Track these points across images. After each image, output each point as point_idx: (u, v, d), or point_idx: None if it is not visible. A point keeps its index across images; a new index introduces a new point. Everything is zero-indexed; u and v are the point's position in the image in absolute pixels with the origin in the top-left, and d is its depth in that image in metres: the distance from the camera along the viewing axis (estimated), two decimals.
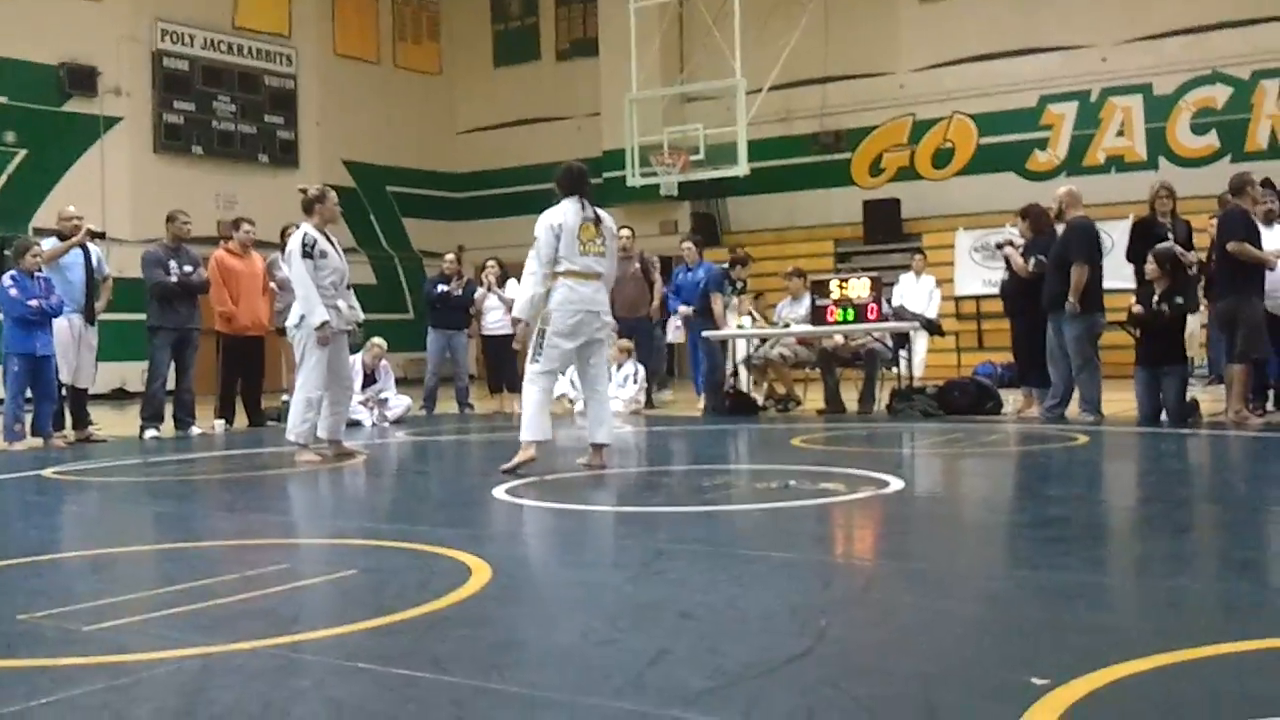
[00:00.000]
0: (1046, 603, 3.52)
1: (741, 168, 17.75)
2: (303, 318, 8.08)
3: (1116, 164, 18.95)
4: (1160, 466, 7.39)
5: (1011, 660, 2.91)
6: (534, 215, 7.26)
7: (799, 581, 3.93)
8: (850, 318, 11.43)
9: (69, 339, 10.25)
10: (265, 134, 21.23)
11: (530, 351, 7.08)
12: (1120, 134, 19.05)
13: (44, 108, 18.41)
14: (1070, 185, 10.85)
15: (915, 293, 14.48)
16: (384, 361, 12.57)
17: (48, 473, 7.95)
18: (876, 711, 2.55)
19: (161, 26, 19.84)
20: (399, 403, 12.39)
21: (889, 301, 11.84)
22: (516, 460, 6.95)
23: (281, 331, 10.53)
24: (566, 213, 7.06)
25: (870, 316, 11.35)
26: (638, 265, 13.37)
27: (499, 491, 6.23)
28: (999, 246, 11.57)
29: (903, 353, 11.58)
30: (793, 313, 12.58)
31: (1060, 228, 10.24)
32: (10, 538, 5.48)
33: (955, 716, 2.52)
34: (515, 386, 13.67)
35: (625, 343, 12.80)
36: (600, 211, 7.23)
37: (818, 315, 11.63)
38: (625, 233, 13.28)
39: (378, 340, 12.44)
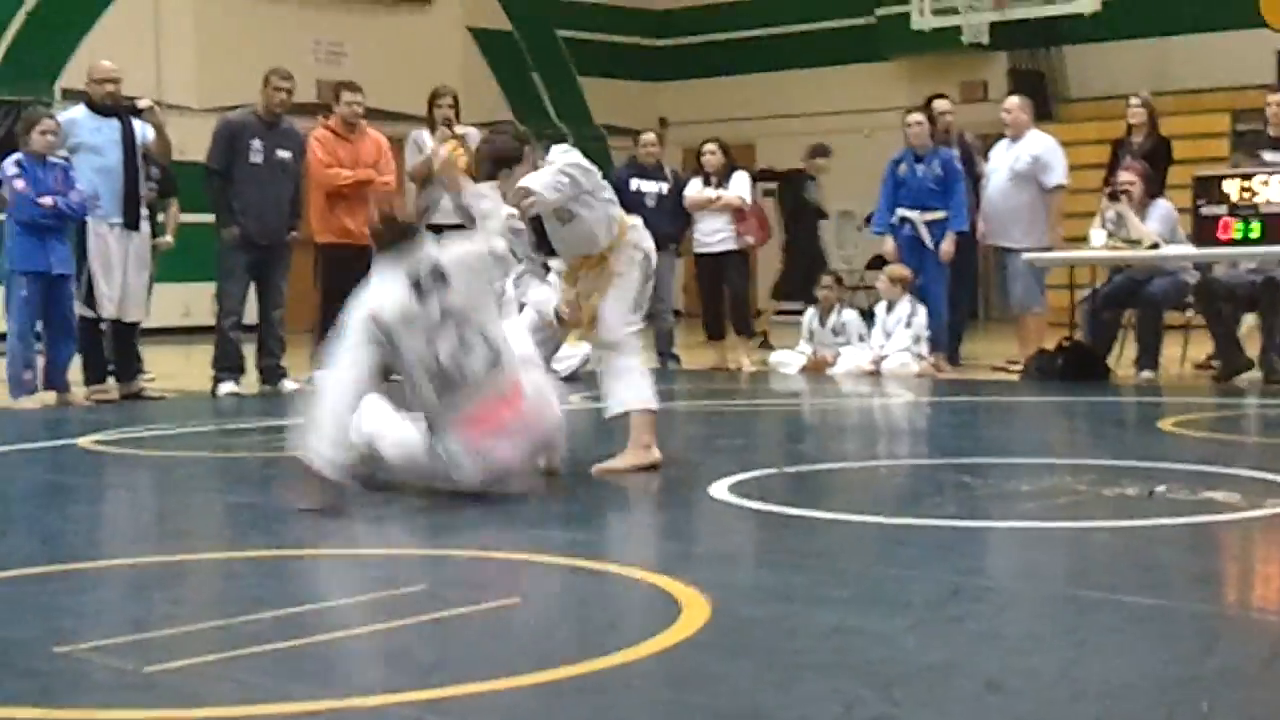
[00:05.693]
0: None
1: (1088, 1, 17.37)
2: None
3: None
4: None
5: None
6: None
7: (1167, 641, 3.91)
8: (1257, 234, 11.11)
9: (109, 253, 10.48)
10: None
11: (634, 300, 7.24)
12: None
13: None
14: None
15: None
16: None
17: (85, 442, 8.35)
18: None
19: None
20: (572, 352, 12.46)
21: None
22: (628, 463, 6.96)
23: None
24: None
25: None
26: (957, 152, 12.94)
27: (718, 489, 6.32)
28: None
29: None
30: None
31: None
32: (41, 535, 5.83)
33: None
34: (744, 328, 13.78)
35: (902, 269, 12.43)
36: None
37: (1204, 230, 11.35)
38: (942, 104, 13.08)
39: None
